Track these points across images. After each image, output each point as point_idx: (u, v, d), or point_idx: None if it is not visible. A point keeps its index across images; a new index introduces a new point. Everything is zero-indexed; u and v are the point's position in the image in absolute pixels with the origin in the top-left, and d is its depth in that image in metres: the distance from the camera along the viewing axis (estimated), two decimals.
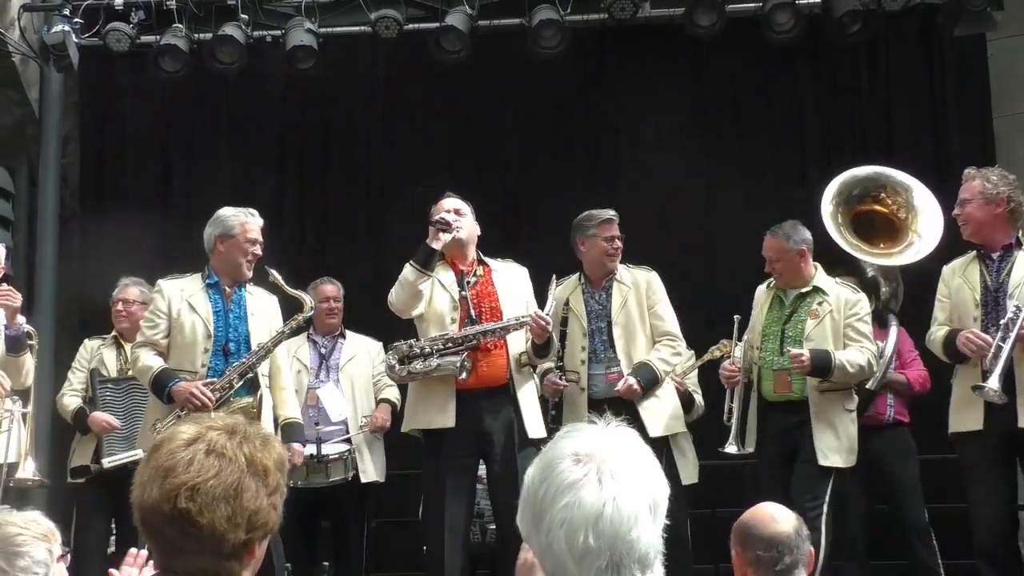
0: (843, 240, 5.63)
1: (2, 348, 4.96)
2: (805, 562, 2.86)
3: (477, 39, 7.06)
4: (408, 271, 4.84)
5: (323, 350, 6.03)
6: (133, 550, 2.61)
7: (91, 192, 8.02)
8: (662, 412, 5.19)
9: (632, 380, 5.08)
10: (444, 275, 4.97)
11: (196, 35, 7.16)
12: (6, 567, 2.51)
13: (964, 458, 4.89)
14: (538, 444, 4.46)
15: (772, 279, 5.27)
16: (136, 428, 5.64)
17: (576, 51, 7.28)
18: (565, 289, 5.29)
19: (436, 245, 4.82)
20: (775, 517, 2.89)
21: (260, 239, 4.96)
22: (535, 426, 4.86)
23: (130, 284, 5.94)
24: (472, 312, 4.91)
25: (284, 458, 1.79)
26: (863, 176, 5.82)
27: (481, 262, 5.06)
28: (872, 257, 5.69)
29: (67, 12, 7.07)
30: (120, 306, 5.88)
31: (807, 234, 5.22)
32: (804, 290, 5.18)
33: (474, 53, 7.06)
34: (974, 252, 4.88)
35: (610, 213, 5.33)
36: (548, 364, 5.17)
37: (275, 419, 4.97)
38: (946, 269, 4.99)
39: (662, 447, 5.16)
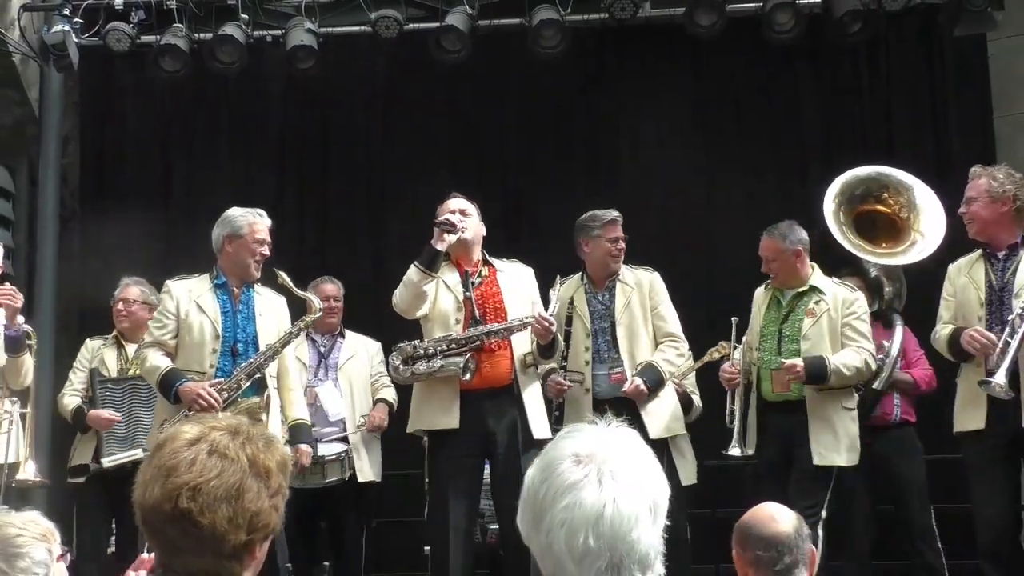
0: (846, 240, 5.63)
1: (1, 348, 4.97)
2: (806, 562, 2.86)
3: (477, 39, 7.06)
4: (412, 272, 4.82)
5: (322, 349, 6.03)
6: (144, 555, 2.61)
7: (91, 192, 8.03)
8: (663, 413, 5.19)
9: (639, 381, 5.08)
10: (449, 276, 4.96)
11: (196, 35, 7.16)
12: (6, 568, 2.51)
13: (967, 458, 4.89)
14: (542, 445, 4.44)
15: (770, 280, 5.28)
16: (136, 428, 5.65)
17: (576, 51, 7.28)
18: (567, 289, 5.28)
19: (440, 246, 4.81)
20: (775, 517, 2.88)
21: (268, 239, 4.97)
22: (540, 427, 4.85)
23: (131, 284, 5.94)
24: (476, 313, 4.90)
25: (287, 459, 1.79)
26: (865, 176, 5.82)
27: (486, 262, 5.05)
28: (875, 257, 5.69)
29: (67, 12, 7.07)
30: (121, 305, 5.88)
31: (803, 234, 5.22)
32: (801, 290, 5.18)
33: (474, 53, 7.06)
34: (980, 251, 4.86)
35: (614, 214, 5.33)
36: (551, 364, 5.16)
37: (282, 420, 4.98)
38: (952, 267, 4.98)
39: (663, 448, 5.16)
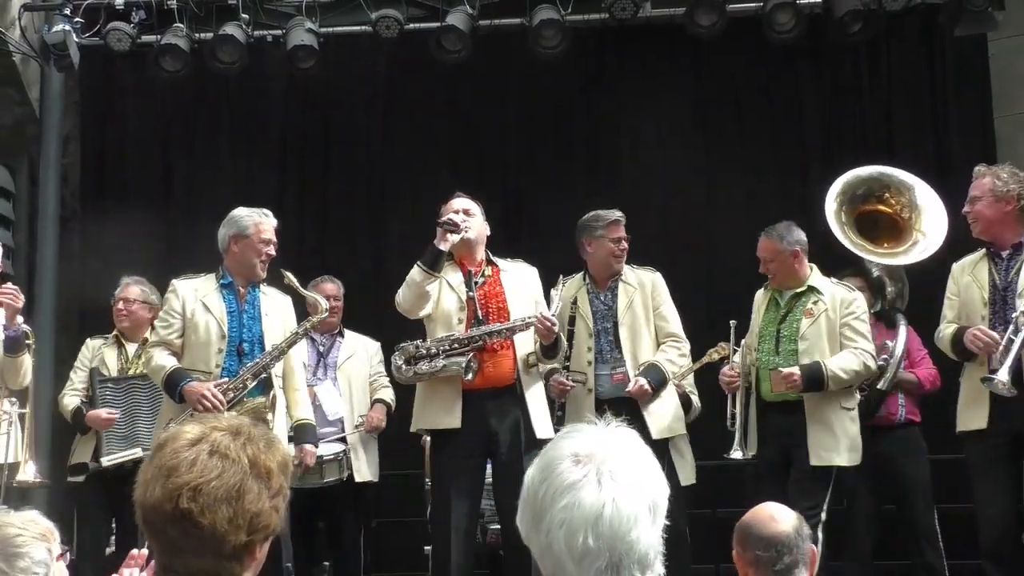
0: (847, 240, 5.63)
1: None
2: (807, 562, 2.86)
3: (478, 39, 7.06)
4: (415, 272, 4.81)
5: (321, 348, 6.03)
6: (135, 551, 2.61)
7: (92, 191, 8.03)
8: (665, 414, 5.19)
9: (643, 381, 5.09)
10: (452, 275, 4.95)
11: (197, 35, 7.16)
12: (6, 568, 2.51)
13: (970, 457, 4.88)
14: (545, 445, 4.44)
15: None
16: (136, 427, 5.65)
17: (577, 51, 7.28)
18: (570, 289, 5.28)
19: (443, 246, 4.80)
20: (775, 517, 2.88)
21: (274, 239, 4.97)
22: (543, 427, 4.83)
23: (131, 283, 5.94)
24: (479, 313, 4.88)
25: (288, 460, 1.78)
26: (866, 176, 5.82)
27: (490, 262, 5.04)
28: (877, 257, 5.68)
29: (68, 12, 7.08)
30: (121, 305, 5.87)
31: (801, 235, 5.22)
32: (799, 290, 5.19)
33: (475, 53, 7.07)
34: (983, 250, 4.86)
35: (617, 214, 5.32)
36: (553, 364, 5.16)
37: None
38: (955, 266, 4.97)
39: (664, 449, 5.17)
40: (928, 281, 5.69)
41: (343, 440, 5.85)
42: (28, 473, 5.20)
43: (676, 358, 5.26)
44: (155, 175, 8.12)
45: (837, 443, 5.00)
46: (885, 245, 5.75)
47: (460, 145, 8.00)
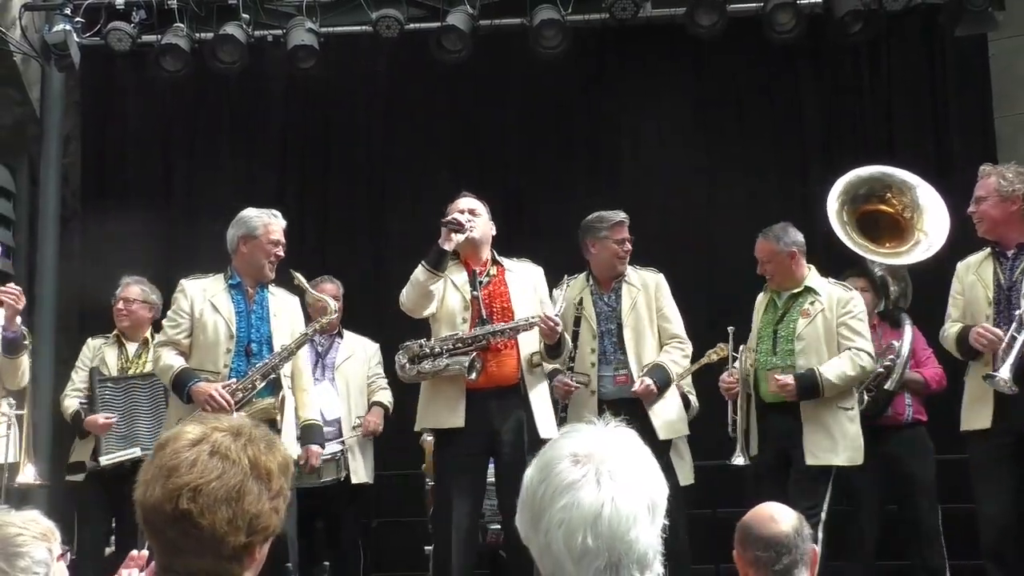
0: (850, 240, 5.63)
1: None
2: (807, 562, 2.85)
3: (478, 39, 7.06)
4: (419, 272, 4.81)
5: (320, 348, 6.03)
6: (135, 552, 2.61)
7: (92, 191, 8.03)
8: (669, 414, 5.21)
9: (649, 381, 5.09)
10: (457, 275, 4.95)
11: (197, 34, 7.17)
12: (6, 567, 2.51)
13: (973, 457, 4.88)
14: None
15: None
16: (135, 427, 5.66)
17: (577, 51, 7.28)
18: (573, 289, 5.28)
19: (447, 246, 4.79)
20: (774, 517, 2.88)
21: (283, 240, 4.98)
22: (546, 426, 4.83)
23: (131, 283, 5.94)
24: (483, 312, 4.88)
25: (288, 462, 1.78)
26: (867, 176, 5.82)
27: (495, 262, 5.03)
28: (879, 257, 5.68)
29: (68, 11, 7.08)
30: (121, 305, 5.88)
31: (798, 236, 5.22)
32: (796, 291, 5.19)
33: (475, 53, 7.07)
34: (988, 249, 4.85)
35: (621, 215, 5.32)
36: (555, 365, 5.15)
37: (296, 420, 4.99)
38: (960, 265, 4.96)
39: (666, 449, 5.18)
40: (930, 281, 5.69)
41: (340, 440, 5.85)
42: (28, 475, 5.21)
43: (680, 359, 5.27)
44: (156, 175, 8.12)
45: (834, 443, 5.00)
46: (887, 245, 5.75)
47: (461, 145, 8.00)
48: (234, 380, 4.77)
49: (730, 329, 5.35)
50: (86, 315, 7.34)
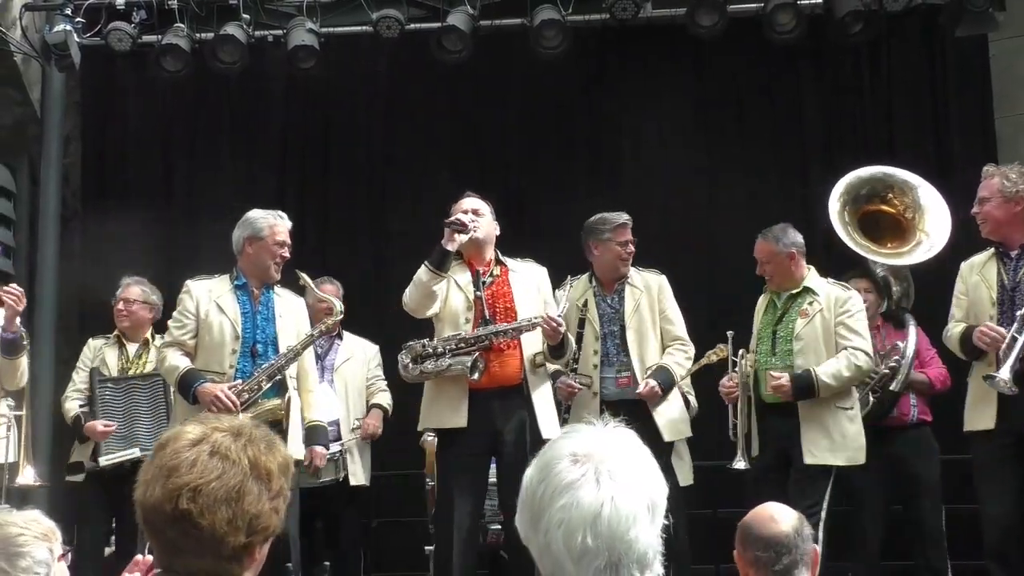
0: (851, 240, 5.63)
1: None
2: (807, 562, 2.85)
3: (479, 39, 7.06)
4: (422, 272, 4.80)
5: (319, 350, 6.02)
6: (139, 557, 2.61)
7: (93, 191, 8.03)
8: (673, 417, 5.22)
9: (653, 383, 5.09)
10: (461, 275, 4.94)
11: (198, 35, 7.16)
12: (7, 567, 2.51)
13: (976, 457, 4.88)
14: None
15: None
16: (135, 428, 5.66)
17: (578, 51, 7.28)
18: (577, 290, 5.28)
19: (451, 247, 4.78)
20: (774, 517, 2.88)
21: (288, 241, 4.98)
22: (549, 427, 4.82)
23: (132, 283, 5.94)
24: (486, 312, 4.88)
25: (288, 462, 1.78)
26: (869, 176, 5.82)
27: (499, 262, 5.02)
28: (881, 257, 5.68)
29: (69, 11, 7.08)
30: (121, 305, 5.88)
31: (798, 237, 5.22)
32: (795, 291, 5.20)
33: (476, 53, 7.06)
34: (992, 249, 4.85)
35: (624, 217, 5.32)
36: (558, 366, 5.15)
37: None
38: (964, 265, 4.96)
39: (669, 450, 5.18)
40: (931, 281, 5.70)
41: (339, 441, 5.85)
42: (27, 477, 5.21)
43: (683, 361, 5.28)
44: (156, 175, 8.12)
45: (832, 443, 5.01)
46: (889, 246, 5.75)
47: (461, 145, 8.00)
48: (240, 381, 4.78)
49: (729, 334, 5.35)
50: (86, 315, 7.34)
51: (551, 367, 5.08)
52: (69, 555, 2.80)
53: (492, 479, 5.08)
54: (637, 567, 1.49)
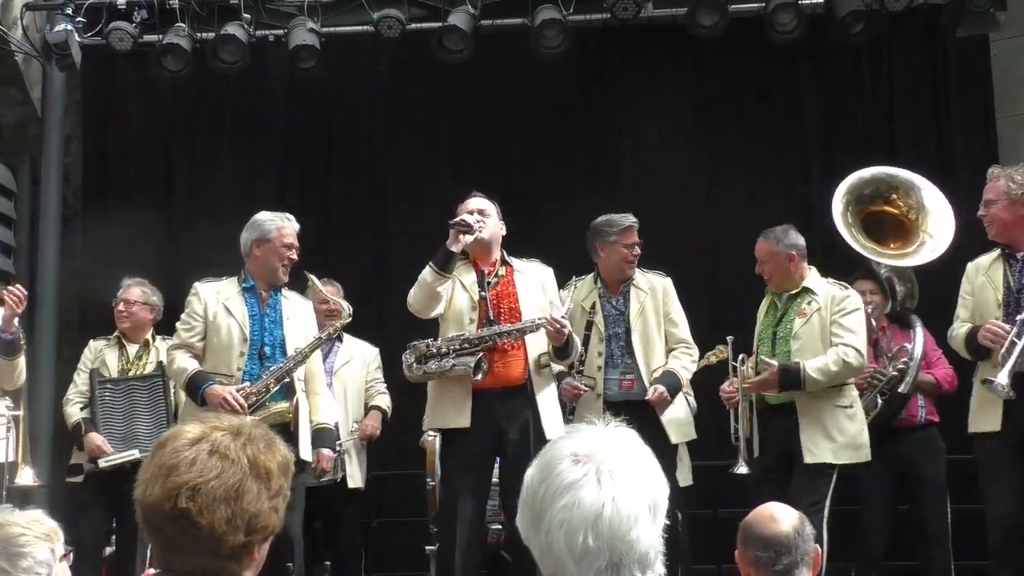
0: (855, 241, 5.62)
1: None
2: (808, 562, 2.84)
3: (480, 39, 7.06)
4: (426, 273, 4.78)
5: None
6: (151, 571, 2.60)
7: (93, 191, 8.03)
8: (679, 419, 5.26)
9: (662, 388, 5.10)
10: (466, 275, 4.92)
11: (199, 34, 7.16)
12: (8, 568, 2.50)
13: (980, 457, 4.86)
14: None
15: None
16: (135, 429, 5.66)
17: (579, 51, 7.27)
18: (582, 291, 5.28)
19: (455, 248, 4.76)
20: (774, 517, 2.88)
21: (296, 244, 4.98)
22: (553, 428, 4.79)
23: (132, 285, 5.94)
24: (491, 313, 4.85)
25: (288, 461, 1.78)
26: (872, 177, 5.82)
27: (504, 262, 5.00)
28: (886, 258, 5.68)
29: (70, 11, 7.08)
30: (122, 306, 5.87)
31: (799, 239, 5.22)
32: (794, 292, 5.21)
33: (477, 53, 7.06)
34: (998, 251, 4.84)
35: (631, 220, 5.32)
36: (563, 367, 5.14)
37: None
38: (970, 266, 4.95)
39: (674, 451, 5.20)
40: (934, 282, 5.70)
41: (336, 441, 5.85)
42: (26, 478, 5.21)
43: (688, 364, 5.29)
44: (157, 175, 8.12)
45: (832, 442, 5.01)
46: (892, 246, 5.74)
47: (462, 145, 8.00)
48: (248, 384, 4.78)
49: (729, 338, 5.35)
50: (87, 314, 7.35)
51: (556, 368, 5.07)
52: (71, 556, 2.79)
53: (494, 479, 5.08)
54: (638, 567, 1.49)
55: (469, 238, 4.78)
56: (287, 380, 4.86)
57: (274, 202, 7.05)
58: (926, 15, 7.29)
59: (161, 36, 7.09)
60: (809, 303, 5.16)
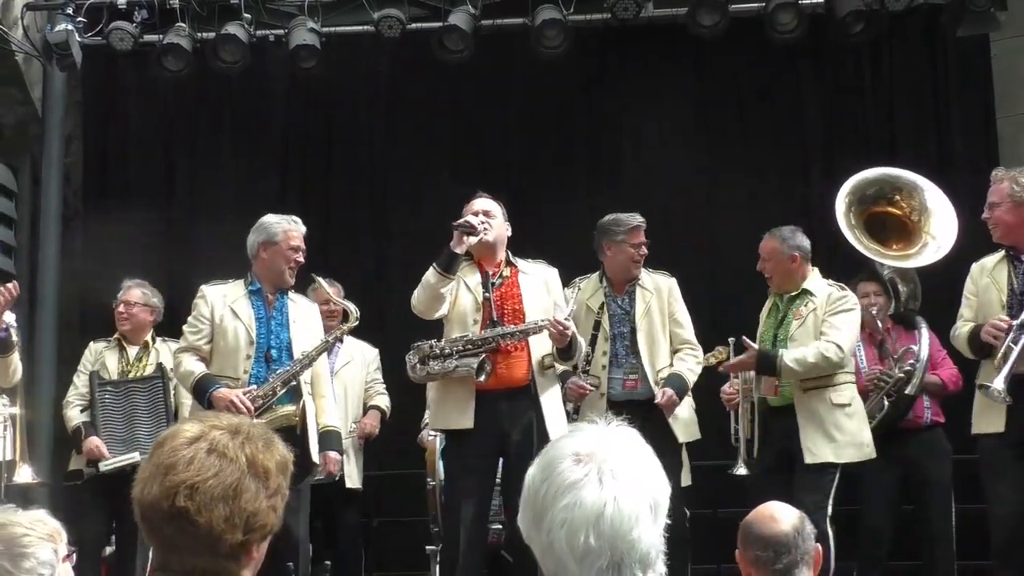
0: (857, 242, 5.62)
1: None
2: (809, 562, 2.84)
3: (480, 39, 7.06)
4: (430, 274, 4.76)
5: None
6: None
7: (94, 191, 8.03)
8: (686, 419, 5.27)
9: (671, 391, 5.12)
10: (471, 276, 4.90)
11: (199, 34, 7.16)
12: (11, 568, 2.50)
13: (983, 457, 4.87)
14: None
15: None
16: (134, 431, 5.65)
17: (579, 51, 7.27)
18: (587, 291, 5.28)
19: (459, 249, 4.74)
20: (774, 516, 2.87)
21: (303, 246, 4.98)
22: (557, 428, 4.77)
23: (132, 286, 5.93)
24: (494, 314, 4.84)
25: (287, 460, 1.78)
26: (875, 177, 5.82)
27: (509, 264, 4.98)
28: (888, 259, 5.68)
29: (70, 11, 7.08)
30: (122, 308, 5.86)
31: (804, 242, 5.22)
32: (794, 293, 5.22)
33: (477, 53, 7.06)
34: (1003, 252, 4.84)
35: (639, 219, 5.32)
36: (567, 367, 5.13)
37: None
38: (975, 267, 4.95)
39: (680, 450, 5.22)
40: (937, 283, 5.70)
41: None
42: (24, 475, 5.20)
43: (694, 367, 5.31)
44: (157, 174, 8.12)
45: (831, 440, 5.01)
46: (894, 248, 5.74)
47: (462, 145, 8.00)
48: (255, 387, 4.77)
49: (730, 340, 5.36)
50: (87, 314, 7.35)
51: (560, 368, 5.07)
52: (74, 556, 2.79)
53: (496, 479, 5.08)
54: (640, 567, 1.49)
55: (473, 240, 4.77)
56: (294, 383, 4.86)
57: (274, 202, 7.08)
58: (926, 15, 7.29)
59: (161, 36, 7.10)
60: (806, 305, 5.17)
